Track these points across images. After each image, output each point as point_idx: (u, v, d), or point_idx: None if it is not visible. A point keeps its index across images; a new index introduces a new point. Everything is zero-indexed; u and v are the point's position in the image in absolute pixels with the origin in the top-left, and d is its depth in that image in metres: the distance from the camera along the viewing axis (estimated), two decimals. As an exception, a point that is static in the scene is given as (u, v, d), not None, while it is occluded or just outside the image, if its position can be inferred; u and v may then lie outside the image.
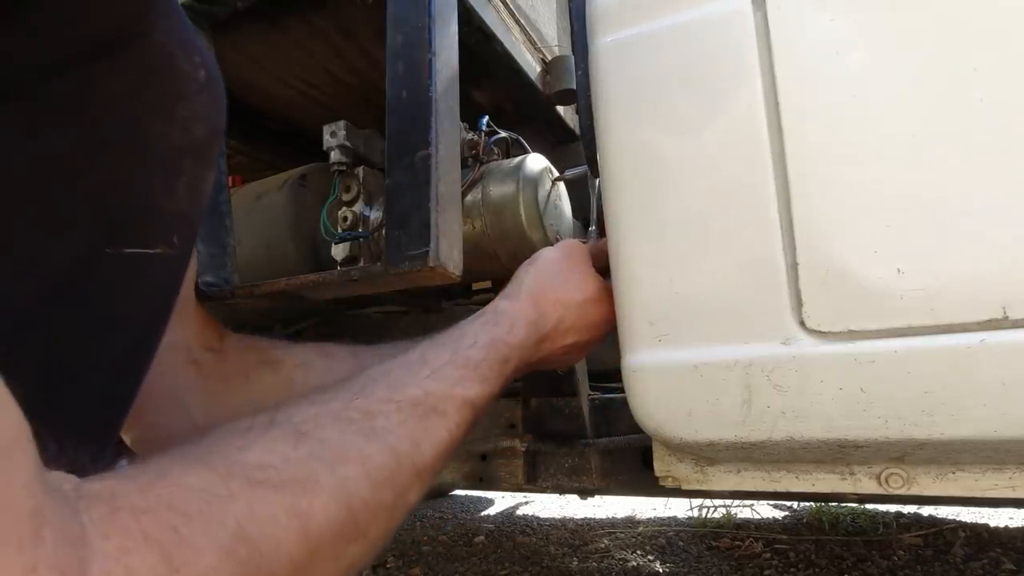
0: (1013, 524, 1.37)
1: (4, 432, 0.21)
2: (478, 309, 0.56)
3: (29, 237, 0.35)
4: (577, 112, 0.92)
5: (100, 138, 0.37)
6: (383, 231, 0.64)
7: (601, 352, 0.65)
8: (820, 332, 0.45)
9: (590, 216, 0.81)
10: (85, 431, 0.39)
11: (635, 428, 0.54)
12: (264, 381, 0.61)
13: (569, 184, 0.84)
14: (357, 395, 0.40)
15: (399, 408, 0.40)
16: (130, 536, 0.24)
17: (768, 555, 1.25)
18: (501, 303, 0.55)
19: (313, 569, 0.31)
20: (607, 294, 0.58)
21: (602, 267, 0.60)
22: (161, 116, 0.40)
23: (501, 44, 0.78)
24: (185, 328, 0.60)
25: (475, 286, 0.96)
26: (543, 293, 0.57)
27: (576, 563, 1.30)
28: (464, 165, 0.75)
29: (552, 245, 0.75)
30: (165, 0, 0.40)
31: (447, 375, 0.45)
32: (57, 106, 0.35)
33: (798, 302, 0.46)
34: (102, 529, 0.23)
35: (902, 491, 0.49)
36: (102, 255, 0.38)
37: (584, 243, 0.65)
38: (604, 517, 1.77)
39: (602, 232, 0.63)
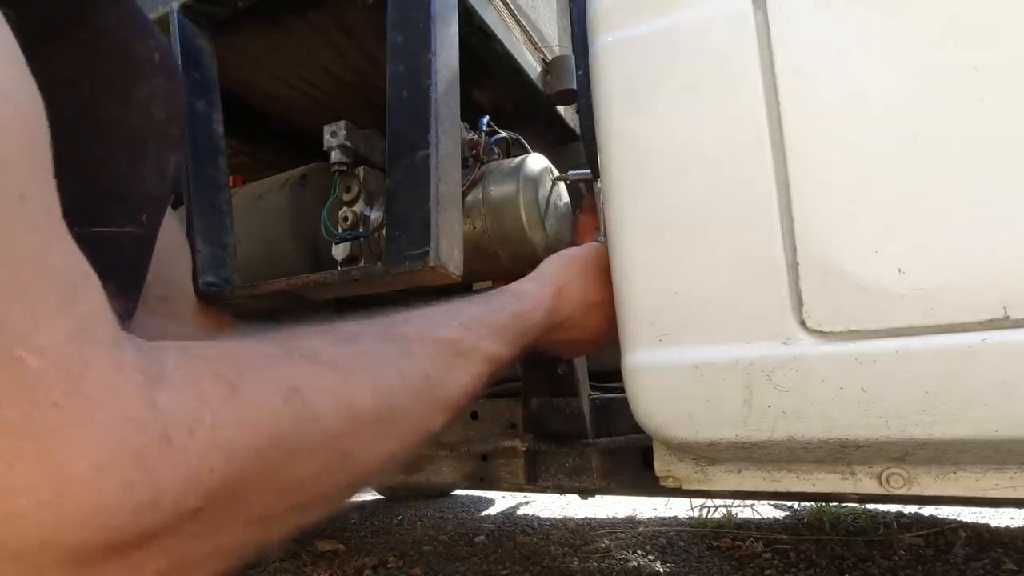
0: (1014, 524, 1.37)
1: (85, 273, 0.24)
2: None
3: None
4: (578, 112, 0.92)
5: (58, 118, 0.38)
6: (383, 231, 0.64)
7: (602, 352, 0.66)
8: (821, 332, 0.45)
9: (598, 222, 0.81)
10: None
11: (636, 428, 0.54)
12: None
13: (570, 185, 0.84)
14: (397, 324, 0.44)
15: (434, 342, 0.44)
16: (201, 370, 0.27)
17: (769, 555, 1.25)
18: (526, 284, 0.58)
19: (351, 444, 0.34)
20: (612, 304, 0.59)
21: None
22: (118, 98, 0.41)
23: (501, 44, 0.78)
24: (183, 325, 0.60)
25: (475, 286, 0.96)
26: (562, 287, 0.60)
27: (577, 563, 1.30)
28: (464, 165, 0.75)
29: (553, 247, 0.76)
30: None
31: (476, 329, 0.48)
32: None
33: (798, 302, 0.46)
34: (175, 362, 0.26)
35: (903, 491, 0.49)
36: (73, 234, 0.38)
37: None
38: (605, 517, 1.77)
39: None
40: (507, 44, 0.79)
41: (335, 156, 0.72)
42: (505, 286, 0.58)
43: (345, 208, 0.74)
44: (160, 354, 0.26)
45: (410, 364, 0.40)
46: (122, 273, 0.44)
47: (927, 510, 1.45)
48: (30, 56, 0.36)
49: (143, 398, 0.23)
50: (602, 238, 0.77)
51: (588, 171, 0.79)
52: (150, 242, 0.46)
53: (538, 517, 1.82)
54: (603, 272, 0.62)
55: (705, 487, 0.57)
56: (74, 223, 0.39)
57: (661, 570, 1.23)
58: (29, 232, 0.22)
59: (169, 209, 0.61)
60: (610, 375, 0.91)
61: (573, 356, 0.77)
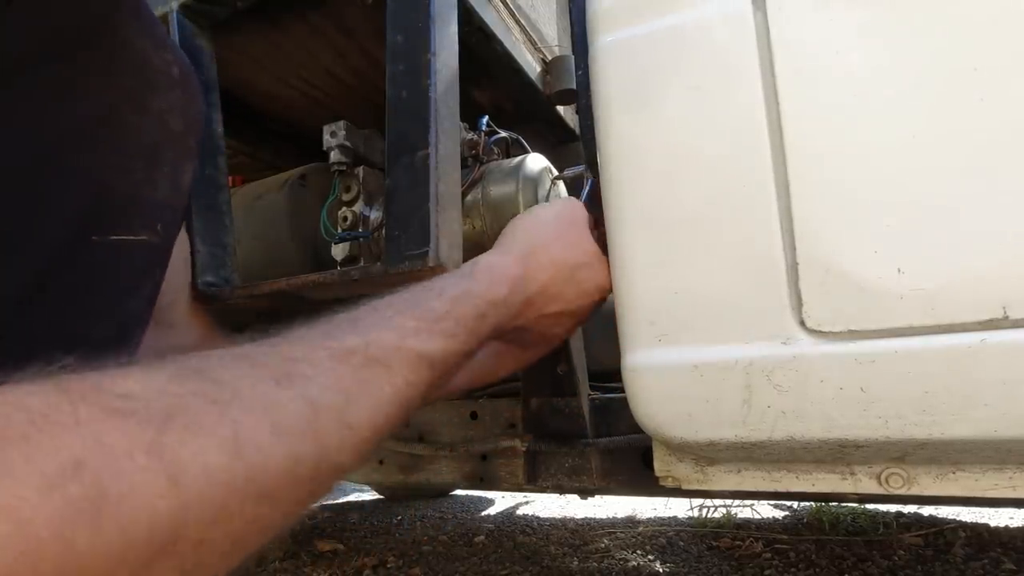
0: (1014, 524, 1.37)
1: None
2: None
3: (13, 223, 0.36)
4: (577, 112, 0.92)
5: (77, 128, 0.39)
6: (383, 231, 0.64)
7: (601, 352, 0.65)
8: (820, 332, 0.45)
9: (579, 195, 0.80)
10: None
11: (635, 428, 0.54)
12: None
13: (569, 184, 0.84)
14: (283, 342, 0.35)
15: (330, 355, 0.34)
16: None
17: (768, 555, 1.25)
18: (483, 257, 0.51)
19: (191, 531, 0.23)
20: (601, 260, 0.56)
21: (598, 240, 0.58)
22: (136, 109, 0.41)
23: (501, 44, 0.78)
24: (187, 333, 0.60)
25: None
26: (532, 251, 0.52)
27: (576, 563, 1.30)
28: (464, 165, 0.75)
29: None
30: (133, 2, 0.42)
31: (400, 325, 0.39)
32: (34, 96, 0.37)
33: (798, 302, 0.46)
34: None
35: (902, 491, 0.49)
36: (87, 241, 0.39)
37: (584, 205, 0.61)
38: (604, 517, 1.77)
39: (593, 201, 0.61)
40: (507, 44, 0.79)
41: (334, 156, 0.72)
42: (461, 265, 0.49)
43: (344, 208, 0.74)
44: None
45: (284, 395, 0.30)
46: (137, 281, 0.44)
47: (927, 510, 1.45)
48: (54, 65, 0.37)
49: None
50: (585, 190, 0.74)
51: (581, 167, 0.78)
52: (165, 251, 0.46)
53: (538, 517, 1.82)
54: (580, 225, 0.57)
55: (705, 487, 0.57)
56: (91, 231, 0.40)
57: (661, 570, 1.23)
58: None
59: None
60: (610, 375, 0.91)
61: (564, 335, 0.63)
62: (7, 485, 0.19)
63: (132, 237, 0.41)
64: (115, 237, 0.40)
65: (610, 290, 0.54)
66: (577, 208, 0.60)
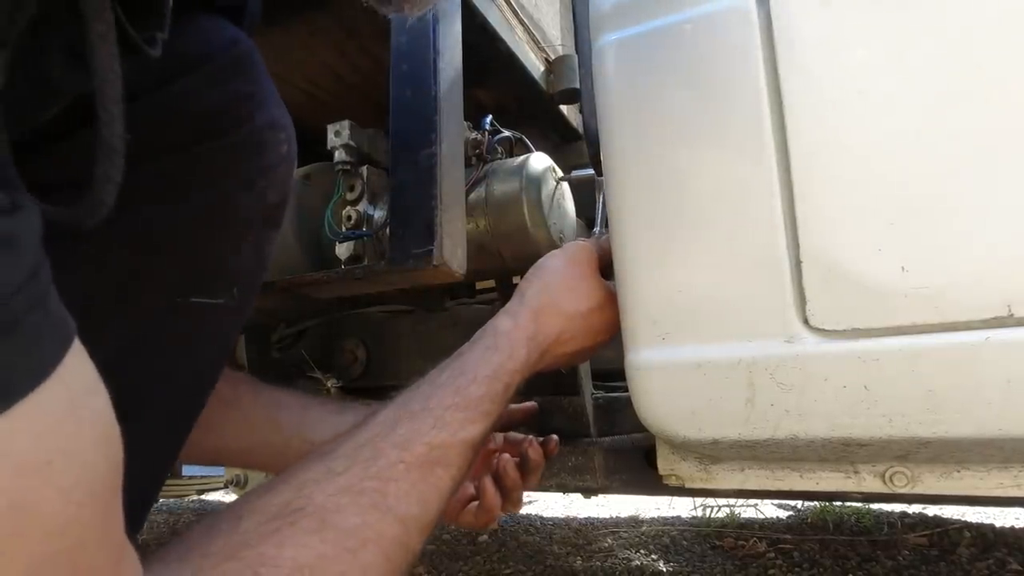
0: (1019, 524, 1.37)
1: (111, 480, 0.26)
2: (481, 308, 0.56)
3: (117, 294, 0.40)
4: (580, 111, 0.92)
5: (190, 211, 0.42)
6: (387, 230, 0.64)
7: (605, 351, 0.65)
8: (824, 330, 0.45)
9: (595, 217, 0.81)
10: (155, 450, 0.44)
11: (639, 427, 0.54)
12: (266, 440, 0.62)
13: (573, 185, 0.85)
14: (370, 460, 0.42)
15: (408, 469, 0.43)
16: None
17: (772, 555, 1.24)
18: (502, 322, 0.55)
19: None
20: (611, 300, 0.57)
21: (608, 264, 0.59)
22: (246, 190, 0.44)
23: (505, 44, 0.78)
24: None
25: (479, 285, 0.96)
26: (544, 307, 0.56)
27: (580, 562, 1.30)
28: (468, 164, 0.75)
29: (556, 246, 0.75)
30: (266, 88, 0.45)
31: (450, 421, 0.47)
32: (157, 182, 0.40)
33: (802, 300, 0.46)
34: None
35: (906, 490, 0.49)
36: (174, 304, 0.43)
37: (589, 243, 0.64)
38: (608, 516, 1.77)
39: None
40: (510, 44, 0.79)
41: (339, 155, 0.72)
42: (483, 328, 0.55)
43: (349, 207, 0.74)
44: None
45: (386, 521, 0.40)
46: (211, 341, 0.47)
47: (931, 510, 1.44)
48: (186, 153, 0.41)
49: None
50: (597, 230, 0.77)
51: (589, 171, 0.79)
52: (240, 314, 0.48)
53: (541, 516, 1.82)
54: (588, 271, 0.59)
55: (708, 486, 0.57)
56: (175, 294, 0.42)
57: (664, 569, 1.23)
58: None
59: None
60: (613, 374, 0.91)
61: (580, 362, 0.72)
62: None
63: (210, 301, 0.44)
64: (195, 300, 0.43)
65: (615, 334, 0.57)
66: (582, 253, 0.61)
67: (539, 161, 0.78)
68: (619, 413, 0.88)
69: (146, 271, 0.41)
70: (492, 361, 0.52)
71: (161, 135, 0.40)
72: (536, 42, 0.89)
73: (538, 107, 0.94)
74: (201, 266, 0.44)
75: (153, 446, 0.43)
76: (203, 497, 2.40)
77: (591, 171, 0.78)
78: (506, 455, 0.63)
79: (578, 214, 0.88)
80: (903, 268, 0.43)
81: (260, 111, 0.44)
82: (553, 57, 0.92)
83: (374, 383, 1.00)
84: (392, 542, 0.40)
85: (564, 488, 0.95)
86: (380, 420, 0.46)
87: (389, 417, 0.46)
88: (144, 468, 0.41)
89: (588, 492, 0.98)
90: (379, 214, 0.74)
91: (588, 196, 0.89)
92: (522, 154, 0.80)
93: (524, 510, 1.94)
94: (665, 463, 0.58)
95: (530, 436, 0.67)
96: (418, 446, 0.44)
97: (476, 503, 0.63)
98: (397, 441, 0.44)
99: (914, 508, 1.45)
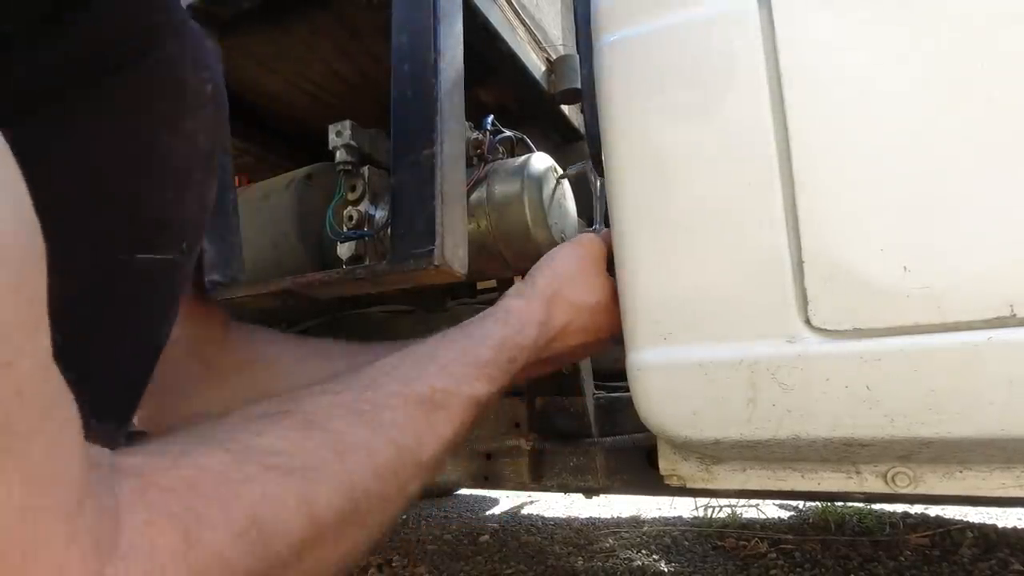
0: (1021, 525, 1.36)
1: (60, 411, 0.23)
2: (483, 309, 0.56)
3: (61, 244, 0.37)
4: (582, 111, 0.92)
5: (115, 150, 0.39)
6: (388, 230, 0.64)
7: (606, 351, 0.65)
8: (825, 330, 0.45)
9: (593, 215, 0.82)
10: (106, 414, 0.40)
11: (640, 427, 0.54)
12: (260, 377, 0.63)
13: (574, 183, 0.85)
14: (368, 387, 0.42)
15: (406, 403, 0.42)
16: (155, 512, 0.26)
17: (774, 555, 1.24)
18: (513, 302, 0.56)
19: (315, 551, 0.33)
20: (616, 301, 0.57)
21: (610, 260, 0.60)
22: (170, 130, 0.41)
23: (506, 44, 0.78)
24: (184, 327, 0.61)
25: (480, 285, 0.96)
26: (555, 295, 0.57)
27: (581, 562, 1.30)
28: (469, 164, 0.75)
29: (561, 242, 0.76)
30: (177, 17, 0.42)
31: (455, 372, 0.46)
32: (78, 117, 0.37)
33: (803, 300, 0.46)
34: (132, 503, 0.26)
35: (908, 490, 0.49)
36: (119, 261, 0.40)
37: (600, 237, 0.64)
38: (609, 516, 1.77)
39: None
40: (511, 44, 0.79)
41: (340, 155, 0.72)
42: (494, 305, 0.56)
43: (350, 207, 0.74)
44: (117, 501, 0.26)
45: (379, 441, 0.39)
46: (161, 299, 0.45)
47: (933, 510, 1.44)
48: (92, 89, 0.38)
49: (90, 573, 0.23)
50: (596, 227, 0.77)
51: (584, 163, 0.79)
52: (188, 267, 0.46)
53: (542, 516, 1.82)
54: (598, 266, 0.60)
55: (710, 486, 0.57)
56: (118, 250, 0.40)
57: (665, 570, 1.23)
58: None
59: None
60: (615, 374, 0.91)
61: (580, 358, 0.74)
62: (208, 535, 0.27)
63: (158, 256, 0.42)
64: (142, 256, 0.40)
65: (618, 334, 0.57)
66: (594, 247, 0.61)
67: (540, 161, 0.78)
68: (620, 413, 0.88)
69: (80, 229, 0.38)
70: (501, 332, 0.52)
71: (60, 72, 0.36)
72: (537, 42, 0.89)
73: (539, 107, 0.94)
74: (143, 219, 0.41)
75: (102, 411, 0.40)
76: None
77: (585, 163, 0.78)
78: None
79: (579, 213, 0.88)
80: (905, 268, 0.43)
81: (172, 41, 0.41)
82: (554, 57, 0.92)
83: (375, 383, 1.00)
84: (384, 464, 0.38)
85: (565, 488, 0.96)
86: (384, 360, 0.45)
87: (393, 359, 0.46)
88: (114, 401, 0.40)
89: (589, 492, 0.98)
90: (380, 214, 0.74)
91: (589, 196, 0.89)
92: (523, 154, 0.80)
93: (525, 510, 1.95)
94: (666, 463, 0.58)
95: None
96: (420, 385, 0.44)
97: None
98: (398, 377, 0.44)
99: (916, 508, 1.45)
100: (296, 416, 0.37)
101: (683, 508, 1.74)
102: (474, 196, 0.76)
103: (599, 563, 1.28)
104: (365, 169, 0.75)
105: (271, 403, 0.38)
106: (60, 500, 0.23)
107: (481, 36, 0.75)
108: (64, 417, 0.24)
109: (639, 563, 1.27)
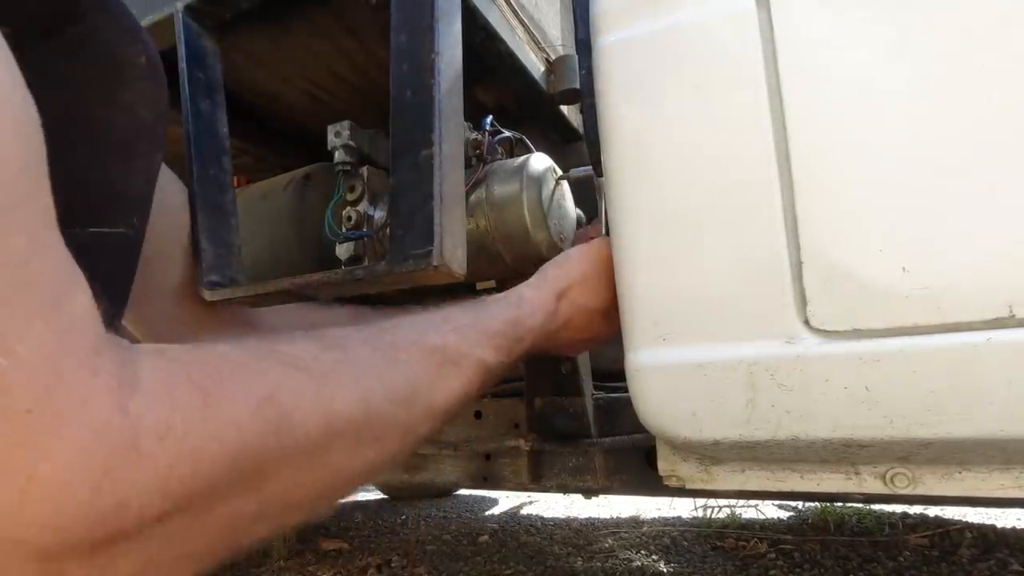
0: (1020, 525, 1.37)
1: (72, 278, 0.25)
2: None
3: None
4: (581, 111, 0.92)
5: (47, 120, 0.39)
6: (387, 230, 0.64)
7: (605, 351, 0.66)
8: (824, 331, 0.45)
9: (599, 217, 0.81)
10: None
11: (639, 427, 0.54)
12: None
13: (573, 184, 0.84)
14: (386, 331, 0.44)
15: (420, 350, 0.44)
16: (176, 376, 0.27)
17: (773, 555, 1.24)
18: (525, 290, 0.59)
19: (329, 453, 0.34)
20: (614, 309, 0.59)
21: None
22: (104, 100, 0.42)
23: (505, 44, 0.78)
24: (201, 330, 0.61)
25: (479, 286, 0.96)
26: (563, 292, 0.60)
27: (580, 563, 1.30)
28: (468, 165, 0.75)
29: (556, 246, 0.76)
30: None
31: (468, 335, 0.49)
32: None
33: (802, 301, 0.46)
34: (151, 364, 0.27)
35: (907, 491, 0.49)
36: (70, 235, 0.39)
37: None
38: (608, 517, 1.77)
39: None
40: (510, 44, 0.79)
41: (339, 156, 0.72)
42: (505, 291, 0.58)
43: (349, 208, 0.74)
44: (137, 358, 0.26)
45: (394, 372, 0.40)
46: (113, 274, 0.44)
47: (932, 511, 1.44)
48: (17, 59, 0.37)
49: (115, 405, 0.24)
50: (599, 223, 0.77)
51: (588, 168, 0.79)
52: (139, 243, 0.46)
53: (542, 517, 1.82)
54: (606, 272, 0.62)
55: (709, 487, 0.57)
56: (68, 224, 0.39)
57: (665, 570, 1.23)
58: (15, 236, 0.22)
59: (185, 211, 0.62)
60: (614, 374, 0.91)
61: (574, 353, 0.78)
62: (227, 408, 0.28)
63: (108, 230, 0.42)
64: (94, 230, 0.40)
65: (613, 336, 0.61)
66: (604, 254, 0.63)
67: (539, 161, 0.78)
68: (620, 414, 0.88)
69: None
70: (513, 312, 0.55)
71: None
72: (536, 42, 0.89)
73: (538, 107, 0.94)
74: (91, 192, 0.41)
75: None
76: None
77: (589, 168, 0.78)
78: None
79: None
80: (904, 269, 0.43)
81: (98, 15, 0.41)
82: (553, 57, 0.92)
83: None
84: (398, 393, 0.40)
85: (565, 489, 0.95)
86: (401, 317, 0.48)
87: (409, 317, 0.48)
88: None
89: (589, 493, 0.98)
90: (379, 215, 0.74)
91: (589, 197, 0.89)
92: (522, 154, 0.80)
93: (524, 510, 1.95)
94: (666, 464, 0.58)
95: None
96: (434, 338, 0.46)
97: None
98: (415, 329, 0.46)
99: (915, 509, 1.45)
100: (317, 338, 0.38)
101: (682, 508, 1.74)
102: (473, 197, 0.76)
103: (598, 563, 1.28)
104: (364, 169, 0.75)
105: (298, 333, 0.40)
106: (81, 342, 0.24)
107: (480, 36, 0.75)
108: (77, 273, 0.25)
109: (638, 563, 1.27)
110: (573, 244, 0.81)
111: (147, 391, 0.25)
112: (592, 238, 0.80)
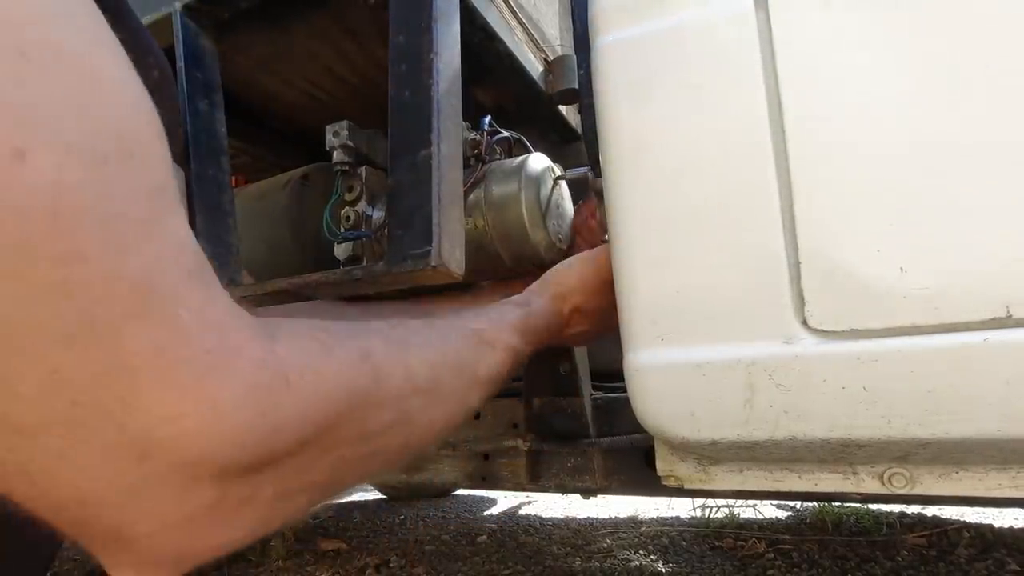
0: (1018, 525, 1.37)
1: (201, 256, 0.28)
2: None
3: None
4: (579, 112, 0.92)
5: None
6: (386, 230, 0.64)
7: (604, 351, 0.66)
8: (822, 331, 0.45)
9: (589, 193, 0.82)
10: None
11: (638, 427, 0.54)
12: None
13: (573, 184, 0.84)
14: (435, 315, 0.50)
15: (464, 331, 0.50)
16: (300, 332, 0.32)
17: (771, 555, 1.24)
18: (532, 296, 0.65)
19: (409, 406, 0.39)
20: (613, 310, 0.60)
21: None
22: None
23: (503, 44, 0.78)
24: None
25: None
26: (564, 295, 0.66)
27: (579, 563, 1.30)
28: (466, 165, 0.75)
29: (554, 246, 0.76)
30: (115, 5, 0.44)
31: (498, 324, 0.54)
32: None
33: (800, 301, 0.46)
34: (277, 323, 0.31)
35: (905, 491, 0.49)
36: None
37: None
38: (607, 517, 1.77)
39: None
40: (509, 44, 0.79)
41: (337, 156, 0.72)
42: (512, 296, 0.63)
43: (347, 208, 0.74)
44: (265, 319, 0.31)
45: (448, 347, 0.46)
46: None
47: (930, 510, 1.45)
48: None
49: (267, 348, 0.29)
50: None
51: (585, 168, 0.79)
52: None
53: (540, 517, 1.82)
54: (602, 280, 0.65)
55: (707, 487, 0.57)
56: None
57: (663, 570, 1.23)
58: (171, 216, 0.26)
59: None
60: (612, 375, 0.91)
61: (580, 345, 0.83)
62: (342, 356, 0.34)
63: None
64: None
65: (611, 331, 0.64)
66: (601, 260, 0.67)
67: (538, 161, 0.78)
68: (618, 414, 0.88)
69: None
70: (525, 313, 0.59)
71: None
72: (535, 42, 0.89)
73: (537, 107, 0.94)
74: None
75: None
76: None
77: (585, 169, 0.78)
78: None
79: (577, 214, 0.88)
80: (902, 269, 0.43)
81: (113, 28, 0.43)
82: (552, 57, 0.92)
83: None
84: (454, 361, 0.46)
85: (563, 489, 0.95)
86: (431, 309, 0.53)
87: (440, 310, 0.54)
88: None
89: (587, 493, 0.98)
90: (378, 215, 0.74)
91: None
92: (521, 154, 0.80)
93: (523, 510, 1.95)
94: (664, 464, 0.58)
95: None
96: (470, 323, 0.51)
97: None
98: (450, 318, 0.51)
99: (913, 509, 1.45)
100: (378, 315, 0.42)
101: (681, 508, 1.75)
102: (471, 196, 0.76)
103: (597, 563, 1.28)
104: (362, 169, 0.74)
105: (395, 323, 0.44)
106: (227, 302, 0.28)
107: (479, 36, 0.75)
108: (202, 259, 0.29)
109: (637, 563, 1.27)
110: (573, 219, 0.85)
111: (282, 340, 0.30)
112: (587, 213, 0.82)
